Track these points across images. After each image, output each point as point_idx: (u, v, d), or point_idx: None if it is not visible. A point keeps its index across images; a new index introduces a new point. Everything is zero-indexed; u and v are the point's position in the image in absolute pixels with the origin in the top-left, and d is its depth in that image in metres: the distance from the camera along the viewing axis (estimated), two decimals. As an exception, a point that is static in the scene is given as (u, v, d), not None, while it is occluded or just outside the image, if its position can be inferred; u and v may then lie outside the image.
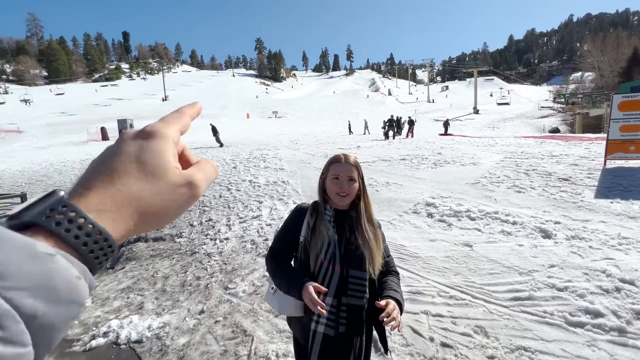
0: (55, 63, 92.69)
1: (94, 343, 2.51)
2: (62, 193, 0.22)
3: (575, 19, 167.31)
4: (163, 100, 62.52)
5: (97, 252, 0.22)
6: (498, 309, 2.40)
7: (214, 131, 15.55)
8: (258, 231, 4.26)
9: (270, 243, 3.88)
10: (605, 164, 5.60)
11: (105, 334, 2.59)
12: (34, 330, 0.18)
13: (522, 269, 2.82)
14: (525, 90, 71.80)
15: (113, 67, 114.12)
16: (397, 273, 1.27)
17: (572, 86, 62.25)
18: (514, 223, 3.72)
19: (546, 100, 51.69)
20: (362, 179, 1.22)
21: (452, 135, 17.00)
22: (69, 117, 42.11)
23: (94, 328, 2.73)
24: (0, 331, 0.16)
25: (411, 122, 18.14)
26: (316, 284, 1.05)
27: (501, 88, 66.10)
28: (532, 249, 3.15)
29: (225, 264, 3.57)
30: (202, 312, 2.76)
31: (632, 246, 3.02)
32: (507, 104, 46.96)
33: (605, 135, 6.25)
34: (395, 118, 16.95)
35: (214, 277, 3.33)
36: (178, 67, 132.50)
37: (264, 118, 46.67)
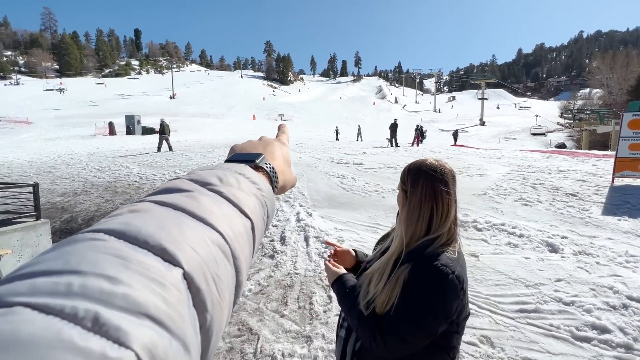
0: (67, 57, 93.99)
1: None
2: (264, 155, 0.39)
3: (585, 36, 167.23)
4: (171, 98, 63.07)
5: (275, 180, 0.38)
6: (504, 320, 2.40)
7: (162, 130, 12.93)
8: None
9: (276, 244, 3.91)
10: (613, 181, 5.59)
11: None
12: (267, 223, 0.33)
13: (528, 282, 2.82)
14: (532, 104, 71.67)
15: (123, 63, 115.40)
16: (381, 331, 0.86)
17: (579, 102, 62.12)
18: (521, 236, 3.72)
19: (539, 126, 46.71)
20: (412, 190, 0.93)
21: (463, 146, 16.87)
22: (76, 111, 42.53)
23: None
24: (264, 210, 0.32)
25: (420, 131, 18.02)
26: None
27: (519, 106, 65.36)
28: (539, 262, 3.14)
29: (231, 262, 3.59)
30: (208, 308, 2.78)
31: (639, 264, 3.02)
32: (544, 134, 36.90)
33: (614, 152, 6.24)
34: (396, 123, 16.48)
35: (220, 274, 3.36)
36: (187, 66, 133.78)
37: (270, 120, 46.91)
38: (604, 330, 2.21)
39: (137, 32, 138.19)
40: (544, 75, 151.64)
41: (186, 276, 0.19)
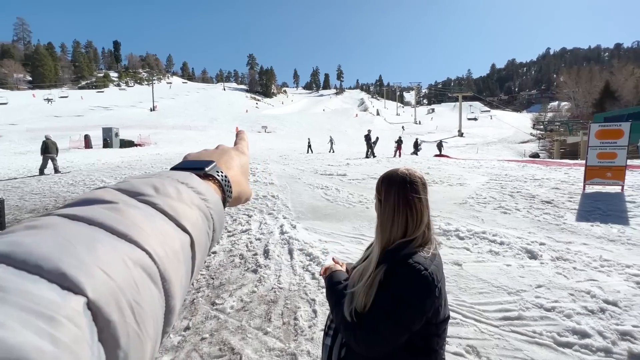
0: (40, 68, 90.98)
1: None
2: (215, 163, 0.37)
3: (552, 52, 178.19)
4: (151, 111, 61.90)
5: (228, 190, 0.36)
6: (489, 328, 2.41)
7: (46, 149, 11.01)
8: (247, 245, 4.18)
9: (259, 258, 3.81)
10: (584, 188, 5.85)
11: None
12: (213, 237, 0.30)
13: (510, 289, 2.86)
14: (506, 115, 75.02)
15: (101, 75, 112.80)
16: (361, 328, 0.88)
17: (550, 114, 65.55)
18: (501, 243, 3.79)
19: (530, 127, 55.49)
20: (386, 199, 0.98)
21: (448, 156, 17.18)
22: (50, 124, 40.96)
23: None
24: (208, 223, 0.29)
25: (399, 142, 18.54)
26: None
27: (470, 105, 69.29)
28: (520, 269, 3.20)
29: (213, 278, 3.46)
30: (187, 328, 2.64)
31: (613, 268, 3.13)
32: (475, 119, 53.34)
33: (584, 161, 6.56)
34: (369, 134, 16.49)
35: (201, 292, 3.22)
36: (168, 78, 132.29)
37: (253, 132, 46.75)
38: (584, 335, 2.25)
39: (117, 44, 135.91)
40: (516, 89, 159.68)
41: (91, 306, 0.16)
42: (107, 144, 24.15)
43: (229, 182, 0.36)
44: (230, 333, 2.54)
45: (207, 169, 0.34)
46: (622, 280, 2.90)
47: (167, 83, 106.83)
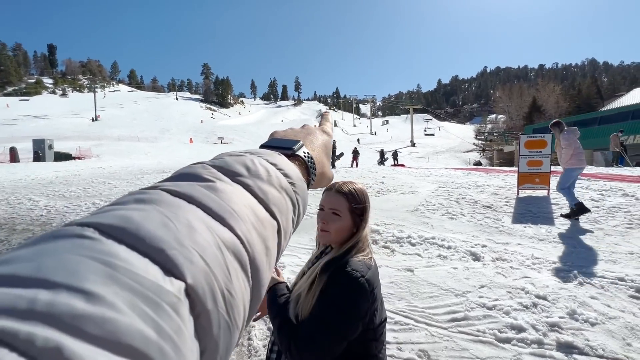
0: (-45, 71, 79.59)
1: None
2: (302, 143, 0.36)
3: (488, 70, 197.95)
4: (93, 120, 57.03)
5: (313, 172, 0.35)
6: (439, 331, 2.51)
7: None
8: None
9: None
10: (518, 193, 6.47)
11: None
12: (296, 221, 0.30)
13: (457, 291, 3.03)
14: (452, 127, 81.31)
15: (33, 80, 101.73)
16: (295, 340, 0.85)
17: (489, 126, 72.33)
18: (449, 247, 4.03)
19: (429, 128, 65.48)
20: (361, 215, 0.99)
21: (404, 165, 17.92)
22: (-31, 134, 35.86)
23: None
24: (294, 209, 0.28)
25: (355, 152, 19.10)
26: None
27: (427, 121, 74.53)
28: (465, 271, 3.42)
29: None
30: None
31: (542, 265, 3.47)
32: (432, 134, 54.91)
33: (517, 168, 7.28)
34: (334, 144, 17.17)
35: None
36: (114, 85, 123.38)
37: (209, 144, 45.12)
38: (520, 329, 2.44)
39: (52, 48, 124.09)
40: (460, 103, 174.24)
41: (190, 292, 0.16)
42: (38, 157, 21.64)
43: (314, 163, 0.36)
44: None
45: (294, 148, 0.34)
46: (550, 276, 3.23)
47: (101, 91, 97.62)
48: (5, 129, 43.29)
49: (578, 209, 4.67)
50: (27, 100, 72.85)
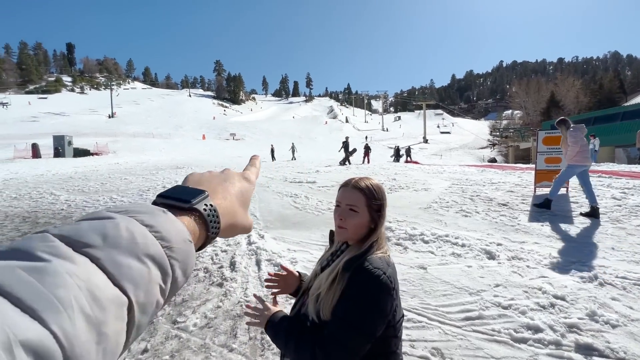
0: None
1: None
2: (207, 194, 0.34)
3: (504, 65, 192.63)
4: (109, 117, 58.44)
5: (213, 226, 0.33)
6: (452, 329, 2.48)
7: None
8: (212, 258, 4.02)
9: (225, 271, 3.67)
10: (535, 191, 6.30)
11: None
12: (171, 288, 0.28)
13: (471, 289, 2.99)
14: (466, 123, 79.68)
15: (53, 79, 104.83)
16: (321, 345, 0.84)
17: (505, 122, 70.52)
18: (463, 245, 3.96)
19: (445, 126, 63.19)
20: (379, 211, 0.98)
21: (418, 162, 17.44)
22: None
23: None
24: (166, 277, 0.26)
25: (367, 148, 18.95)
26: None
27: (443, 119, 72.38)
28: (480, 270, 3.36)
29: (174, 295, 3.28)
30: (145, 351, 2.47)
31: (561, 265, 3.37)
32: (449, 132, 52.15)
33: (534, 165, 7.09)
34: (348, 141, 16.64)
35: (160, 310, 3.03)
36: (129, 83, 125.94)
37: (221, 140, 45.64)
38: (537, 329, 2.39)
39: (70, 47, 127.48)
40: (475, 98, 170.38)
41: None
42: (58, 153, 22.35)
43: (216, 215, 0.34)
44: (193, 353, 2.40)
45: (193, 201, 0.32)
46: (568, 276, 3.14)
47: (117, 88, 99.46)
48: (27, 125, 44.86)
49: (548, 203, 5.06)
50: (46, 98, 74.95)
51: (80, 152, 23.27)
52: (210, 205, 0.34)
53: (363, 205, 0.96)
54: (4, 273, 0.19)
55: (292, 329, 0.94)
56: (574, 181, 6.72)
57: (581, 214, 4.83)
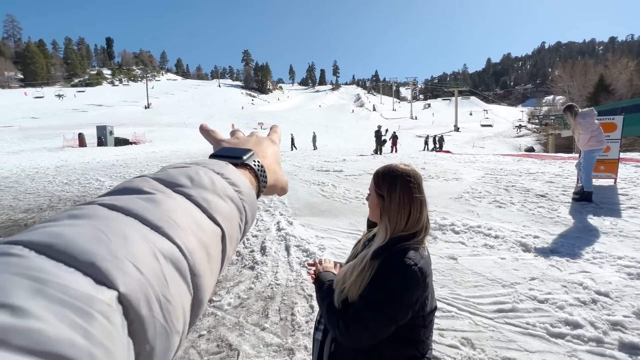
0: (32, 66, 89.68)
1: None
2: (253, 151, 0.37)
3: (547, 46, 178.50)
4: (145, 108, 61.37)
5: (263, 179, 0.36)
6: (483, 320, 2.44)
7: None
8: (244, 242, 4.18)
9: (256, 255, 3.82)
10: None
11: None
12: (244, 228, 0.30)
13: (505, 282, 2.90)
14: (502, 110, 75.29)
15: (94, 72, 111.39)
16: (345, 320, 0.90)
17: (545, 108, 65.84)
18: (496, 237, 3.83)
19: (520, 119, 56.12)
20: (389, 194, 0.97)
21: (451, 152, 16.65)
22: (44, 122, 40.51)
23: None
24: (241, 216, 0.29)
25: (395, 137, 18.55)
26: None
27: (485, 110, 67.78)
28: (514, 262, 3.24)
29: (210, 275, 3.47)
30: (185, 325, 2.66)
31: (605, 260, 3.17)
32: (491, 125, 47.79)
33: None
34: (380, 130, 16.11)
35: (198, 289, 3.23)
36: (163, 75, 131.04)
37: (250, 129, 46.46)
38: (576, 325, 2.29)
39: (109, 41, 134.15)
40: (512, 83, 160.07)
41: (122, 300, 0.17)
42: (101, 142, 23.93)
43: (264, 171, 0.37)
44: (228, 329, 2.55)
45: (244, 157, 0.35)
46: (613, 272, 2.95)
47: (151, 80, 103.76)
48: (73, 116, 48.29)
49: (588, 196, 4.81)
50: (84, 91, 79.73)
51: (121, 141, 24.76)
52: (258, 161, 0.36)
53: (372, 189, 1.02)
54: (128, 201, 0.22)
55: (329, 292, 1.01)
56: (623, 172, 6.21)
57: (574, 199, 4.95)
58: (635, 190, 5.17)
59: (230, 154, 0.36)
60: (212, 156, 0.36)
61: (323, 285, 1.06)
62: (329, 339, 1.01)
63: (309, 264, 1.29)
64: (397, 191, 0.96)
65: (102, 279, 0.16)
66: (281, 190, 0.42)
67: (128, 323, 0.17)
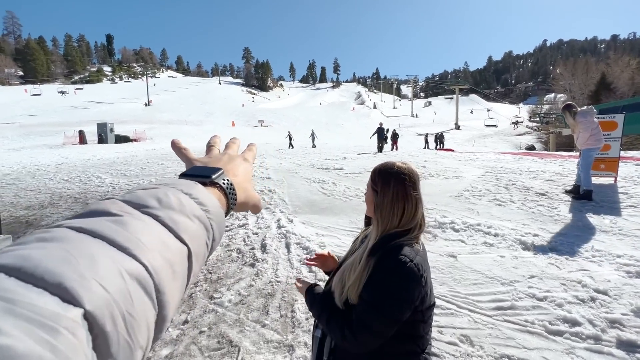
0: (32, 63, 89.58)
1: None
2: (223, 170, 0.38)
3: (548, 44, 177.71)
4: (146, 105, 61.29)
5: (232, 197, 0.37)
6: (482, 318, 2.46)
7: None
8: (244, 240, 4.20)
9: (256, 252, 3.84)
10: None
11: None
12: (211, 246, 0.32)
13: (504, 280, 2.91)
14: (503, 108, 75.12)
15: (94, 69, 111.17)
16: (350, 327, 0.90)
17: (546, 106, 65.59)
18: (496, 235, 3.84)
19: (516, 116, 55.77)
20: (383, 191, 0.98)
21: (452, 150, 16.42)
22: (44, 119, 40.49)
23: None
24: (208, 234, 0.30)
25: (395, 135, 18.53)
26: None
27: (488, 110, 66.95)
28: (513, 260, 3.26)
29: (210, 272, 3.49)
30: (185, 322, 2.67)
31: (604, 258, 3.18)
32: (495, 126, 46.82)
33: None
34: (384, 128, 15.85)
35: (199, 286, 3.25)
36: (163, 72, 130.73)
37: (250, 127, 46.50)
38: (574, 323, 2.30)
39: (109, 38, 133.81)
40: (513, 81, 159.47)
41: (88, 317, 0.18)
42: (102, 139, 23.95)
43: (233, 189, 0.38)
44: (229, 326, 2.57)
45: (213, 176, 0.36)
46: (612, 270, 2.96)
47: (152, 77, 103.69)
48: (73, 113, 48.27)
49: (587, 194, 4.83)
50: (82, 88, 79.31)
51: (121, 139, 24.76)
52: (227, 180, 0.38)
53: (369, 185, 1.05)
54: (95, 224, 0.23)
55: (325, 304, 1.00)
56: (623, 171, 6.21)
57: (566, 192, 5.11)
58: (635, 189, 5.17)
59: (200, 173, 0.37)
60: (182, 175, 0.37)
61: (315, 296, 1.05)
62: (328, 336, 1.01)
63: (307, 260, 1.29)
64: (390, 188, 0.97)
65: (69, 298, 0.17)
66: (254, 208, 0.44)
67: (92, 338, 0.18)
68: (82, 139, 23.04)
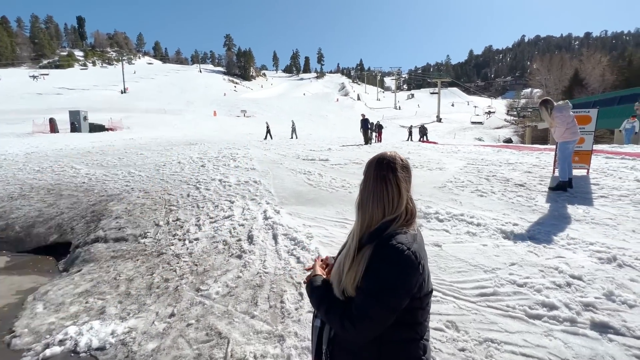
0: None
1: (48, 352, 2.29)
2: None
3: (526, 40, 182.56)
4: (122, 93, 58.68)
5: None
6: (467, 304, 2.54)
7: None
8: (230, 231, 4.14)
9: (243, 244, 3.79)
10: (554, 172, 6.15)
11: (61, 342, 2.37)
12: None
13: (486, 267, 3.02)
14: (482, 102, 77.00)
15: (65, 53, 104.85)
16: (349, 317, 0.89)
17: (523, 101, 67.76)
18: (478, 224, 3.96)
19: (489, 106, 58.01)
20: (365, 177, 1.01)
21: (436, 142, 16.78)
22: (8, 106, 38.04)
23: (48, 336, 2.49)
24: None
25: (379, 127, 18.67)
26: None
27: (475, 106, 67.38)
28: (495, 249, 3.38)
29: (196, 265, 3.42)
30: (172, 315, 2.62)
31: (578, 246, 3.35)
32: (481, 123, 45.47)
33: (554, 146, 6.87)
34: (366, 118, 15.65)
35: (184, 278, 3.18)
36: (140, 58, 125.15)
37: (232, 117, 45.49)
38: (552, 307, 2.42)
39: (81, 20, 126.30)
40: (492, 75, 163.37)
41: None
42: (75, 128, 22.80)
43: None
44: (217, 318, 2.54)
45: None
46: (586, 257, 3.12)
47: (128, 64, 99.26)
48: (43, 100, 45.55)
49: (562, 186, 5.02)
50: (47, 74, 74.28)
51: (96, 127, 23.66)
52: None
53: (364, 175, 1.04)
54: None
55: (325, 295, 1.00)
56: (595, 163, 6.52)
57: (550, 188, 5.18)
58: (605, 180, 5.45)
59: None
60: None
61: (315, 287, 1.05)
62: (327, 325, 1.01)
63: (307, 269, 1.26)
64: (370, 175, 0.99)
65: None
66: None
67: None
68: (53, 128, 21.83)
